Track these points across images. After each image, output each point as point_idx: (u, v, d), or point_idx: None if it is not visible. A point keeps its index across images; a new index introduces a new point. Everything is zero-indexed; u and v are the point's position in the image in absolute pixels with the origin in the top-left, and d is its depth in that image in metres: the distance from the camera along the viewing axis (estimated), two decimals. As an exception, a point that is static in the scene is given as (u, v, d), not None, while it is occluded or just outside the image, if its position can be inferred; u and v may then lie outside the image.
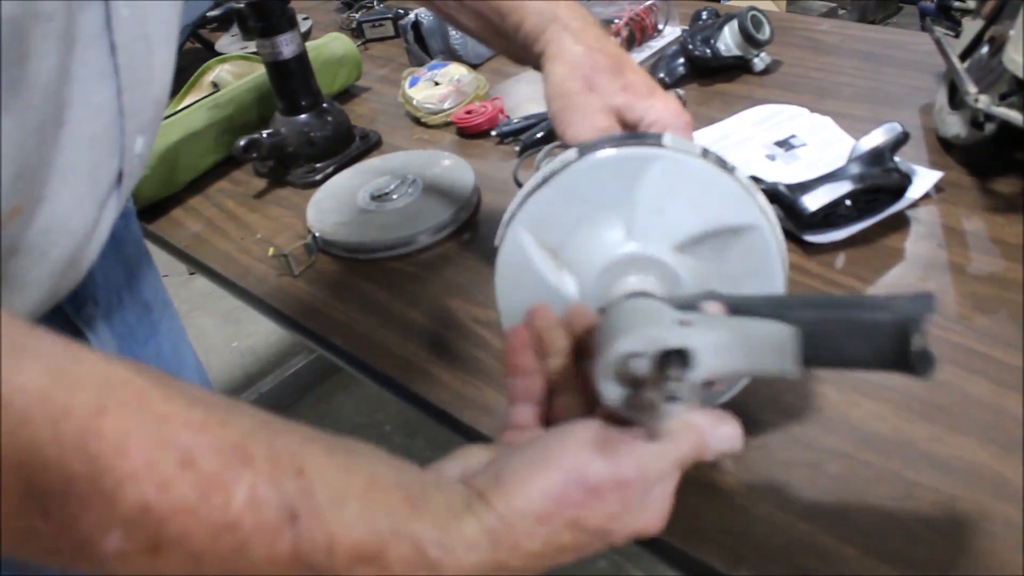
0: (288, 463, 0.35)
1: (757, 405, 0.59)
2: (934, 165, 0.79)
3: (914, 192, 0.73)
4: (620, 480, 0.39)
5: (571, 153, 0.51)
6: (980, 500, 0.51)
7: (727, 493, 0.55)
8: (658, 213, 0.50)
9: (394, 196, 0.89)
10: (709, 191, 0.50)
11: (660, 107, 0.58)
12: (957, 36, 0.86)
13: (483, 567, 0.37)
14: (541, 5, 0.60)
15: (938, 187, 0.76)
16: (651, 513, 0.41)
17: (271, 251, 0.88)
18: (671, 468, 0.40)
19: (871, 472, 0.54)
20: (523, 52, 0.62)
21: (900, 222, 0.74)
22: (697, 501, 0.54)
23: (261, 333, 2.28)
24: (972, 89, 0.72)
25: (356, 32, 1.33)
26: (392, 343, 0.74)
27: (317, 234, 0.87)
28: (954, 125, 0.79)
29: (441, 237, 0.85)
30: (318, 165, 1.00)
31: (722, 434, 0.40)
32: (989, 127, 0.73)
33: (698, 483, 0.55)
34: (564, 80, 0.58)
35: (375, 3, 1.40)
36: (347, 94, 1.19)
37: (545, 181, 0.51)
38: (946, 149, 0.82)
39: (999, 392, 0.58)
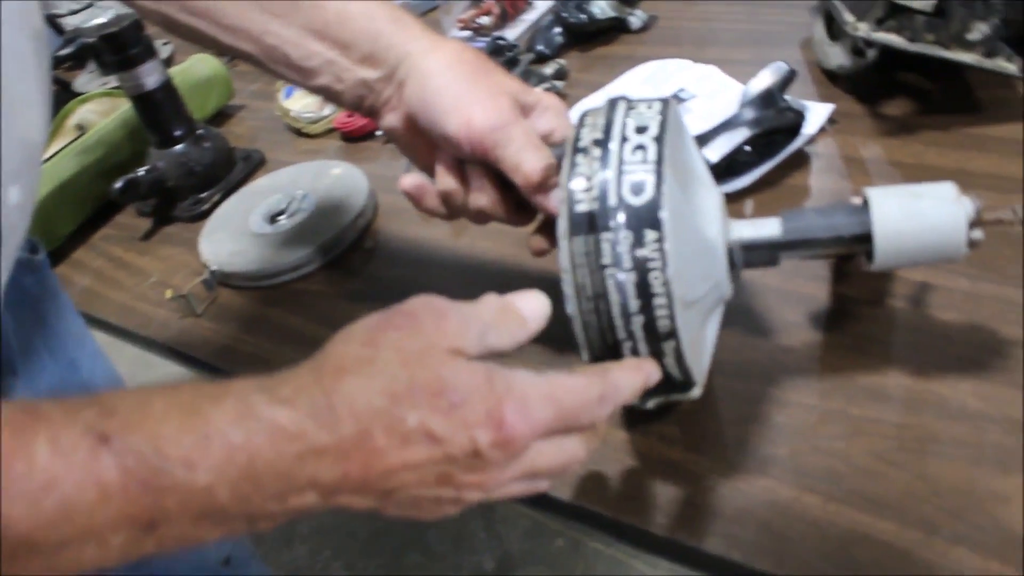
0: (80, 403, 0.33)
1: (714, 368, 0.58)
2: (823, 98, 0.79)
3: (809, 128, 0.73)
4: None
5: (654, 104, 0.48)
6: (926, 424, 0.51)
7: (678, 464, 0.53)
8: (700, 160, 0.53)
9: (288, 215, 0.85)
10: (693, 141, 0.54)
11: (543, 93, 0.56)
12: (824, -33, 0.86)
13: (308, 391, 0.35)
14: (389, 7, 0.57)
15: (831, 119, 0.77)
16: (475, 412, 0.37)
17: (169, 293, 0.83)
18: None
19: (815, 415, 0.53)
20: (366, 62, 0.56)
21: (800, 159, 0.74)
22: (650, 478, 0.53)
23: (176, 374, 2.19)
24: (850, 18, 0.72)
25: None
26: (312, 368, 0.71)
27: (214, 268, 0.82)
28: (836, 56, 0.79)
29: (343, 249, 0.82)
30: (203, 195, 0.95)
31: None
32: (871, 53, 0.73)
33: (648, 459, 0.54)
34: (450, 68, 0.54)
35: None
36: (222, 115, 1.14)
37: (663, 128, 0.46)
38: (832, 80, 0.82)
39: (918, 313, 0.58)
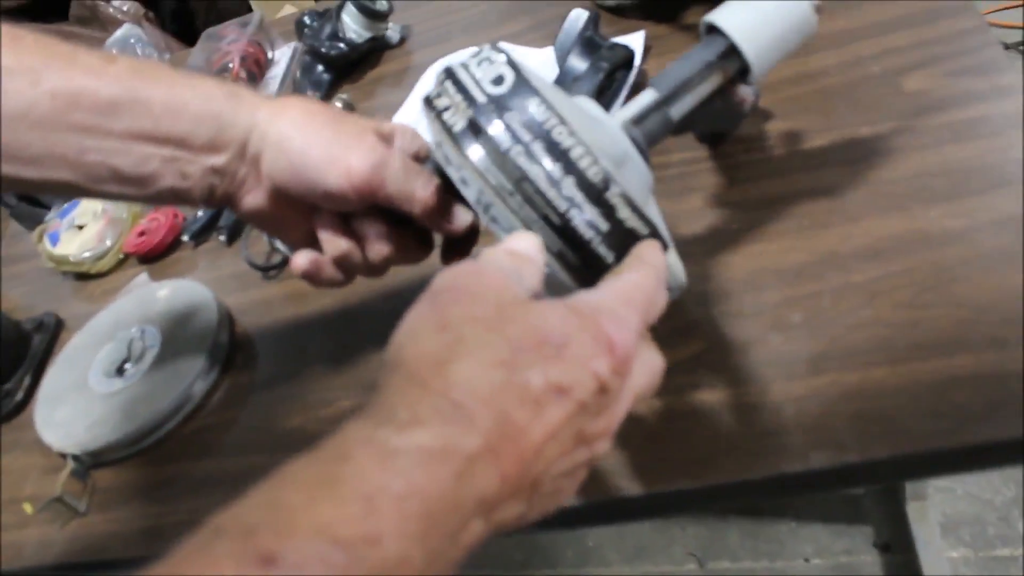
0: (200, 542, 0.27)
1: (692, 302, 0.56)
2: (623, 32, 0.79)
3: (639, 59, 0.73)
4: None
5: (480, 51, 0.43)
6: (926, 260, 0.51)
7: (725, 404, 0.50)
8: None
9: (135, 360, 0.72)
10: None
11: (391, 122, 0.53)
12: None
13: (425, 401, 0.31)
14: (223, 85, 0.51)
15: (647, 45, 0.77)
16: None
17: (28, 508, 0.68)
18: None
19: (826, 299, 0.52)
20: (210, 149, 0.49)
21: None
22: (704, 432, 0.49)
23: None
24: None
25: (-68, 231, 1.08)
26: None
27: (76, 452, 0.68)
28: (617, -10, 0.80)
29: (221, 368, 0.70)
30: (9, 385, 0.79)
31: None
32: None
33: (691, 416, 0.50)
34: (306, 124, 0.49)
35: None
36: (-25, 297, 0.96)
37: (501, 48, 0.42)
38: (621, 15, 0.82)
39: (850, 171, 0.59)
